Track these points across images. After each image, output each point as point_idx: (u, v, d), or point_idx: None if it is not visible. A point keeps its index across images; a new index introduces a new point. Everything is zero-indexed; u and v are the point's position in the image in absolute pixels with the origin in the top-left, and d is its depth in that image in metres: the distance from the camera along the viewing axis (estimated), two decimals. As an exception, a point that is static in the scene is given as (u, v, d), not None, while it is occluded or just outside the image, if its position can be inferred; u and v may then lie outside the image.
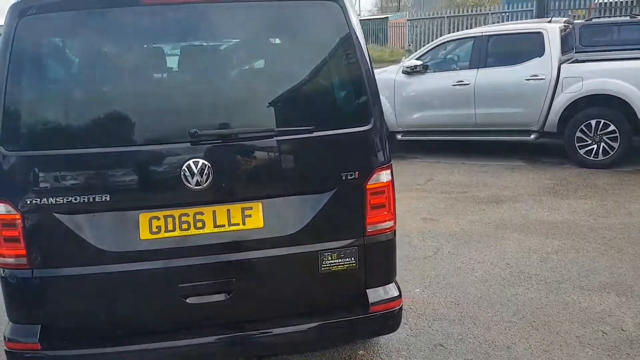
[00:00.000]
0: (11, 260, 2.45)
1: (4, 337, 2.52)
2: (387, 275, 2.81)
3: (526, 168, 7.60)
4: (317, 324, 2.63)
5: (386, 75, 8.50)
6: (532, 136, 7.65)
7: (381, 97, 8.14)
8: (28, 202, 2.39)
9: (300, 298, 2.66)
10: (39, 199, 2.38)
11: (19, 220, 2.40)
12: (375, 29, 36.26)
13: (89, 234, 2.43)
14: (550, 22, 8.07)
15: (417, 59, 8.25)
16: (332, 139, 2.58)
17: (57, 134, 2.44)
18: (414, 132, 8.42)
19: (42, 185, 2.40)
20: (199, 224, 2.49)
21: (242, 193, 2.55)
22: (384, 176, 2.67)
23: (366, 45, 2.69)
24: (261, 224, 2.54)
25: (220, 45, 2.76)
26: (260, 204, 2.55)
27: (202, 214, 2.49)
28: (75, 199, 2.39)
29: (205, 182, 2.43)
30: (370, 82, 2.61)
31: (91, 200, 2.40)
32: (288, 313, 2.67)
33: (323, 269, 2.61)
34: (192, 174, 2.41)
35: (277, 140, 2.53)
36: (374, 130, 2.63)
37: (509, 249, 4.79)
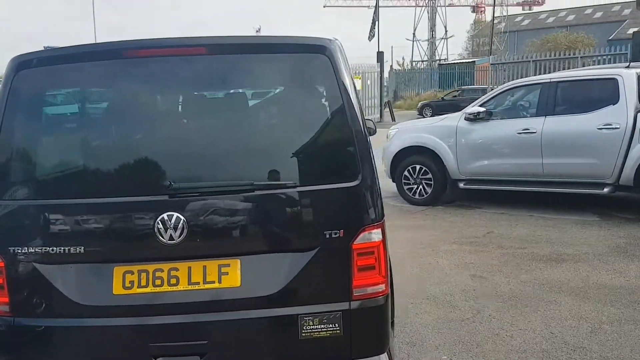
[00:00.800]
0: None
1: None
2: (377, 344, 2.56)
3: (598, 224, 6.99)
4: None
5: (448, 122, 8.24)
6: (606, 190, 7.05)
7: (443, 144, 7.89)
8: (10, 251, 2.41)
9: None
10: (19, 248, 2.41)
11: (3, 268, 2.43)
12: (462, 72, 35.98)
13: (64, 285, 2.41)
14: (628, 67, 7.51)
15: (480, 106, 7.94)
16: (315, 195, 2.44)
17: (38, 185, 2.48)
18: (477, 180, 8.03)
19: (22, 234, 2.42)
20: (173, 281, 2.40)
21: (219, 249, 2.44)
22: (374, 235, 2.47)
23: (358, 99, 2.55)
24: (238, 283, 2.41)
25: (203, 97, 2.72)
26: (238, 261, 2.43)
27: (177, 269, 2.41)
28: (52, 250, 2.39)
29: (179, 237, 2.36)
30: (359, 137, 2.45)
31: (66, 251, 2.39)
32: None
33: (304, 334, 2.42)
34: (166, 228, 2.35)
35: (256, 194, 2.42)
36: (362, 187, 2.45)
37: (558, 315, 4.34)
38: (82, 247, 2.39)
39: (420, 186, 8.36)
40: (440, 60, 49.45)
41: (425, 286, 5.09)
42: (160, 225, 2.35)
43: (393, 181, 8.67)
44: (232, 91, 2.66)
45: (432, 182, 8.25)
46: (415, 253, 6.09)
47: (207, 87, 2.64)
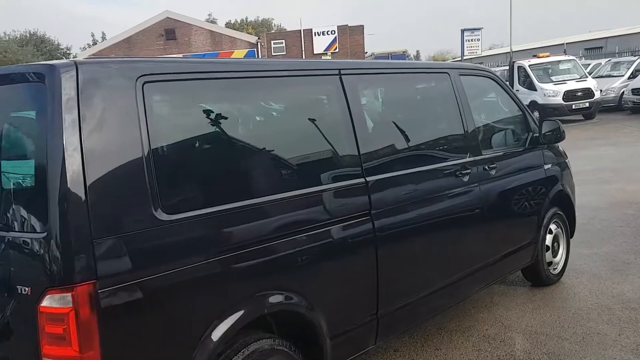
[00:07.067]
0: None
1: None
2: None
3: None
4: None
5: None
6: None
7: None
8: None
9: None
10: None
11: None
12: None
13: None
14: None
15: None
16: (14, 244, 2.25)
17: None
18: None
19: None
20: None
21: None
22: (63, 301, 2.10)
23: (79, 134, 2.13)
24: None
25: None
26: None
27: None
28: None
29: None
30: (52, 179, 2.11)
31: None
32: None
33: None
34: None
35: None
36: (50, 241, 2.11)
37: None
38: None
39: None
40: None
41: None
42: None
43: None
44: None
45: None
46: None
47: None
